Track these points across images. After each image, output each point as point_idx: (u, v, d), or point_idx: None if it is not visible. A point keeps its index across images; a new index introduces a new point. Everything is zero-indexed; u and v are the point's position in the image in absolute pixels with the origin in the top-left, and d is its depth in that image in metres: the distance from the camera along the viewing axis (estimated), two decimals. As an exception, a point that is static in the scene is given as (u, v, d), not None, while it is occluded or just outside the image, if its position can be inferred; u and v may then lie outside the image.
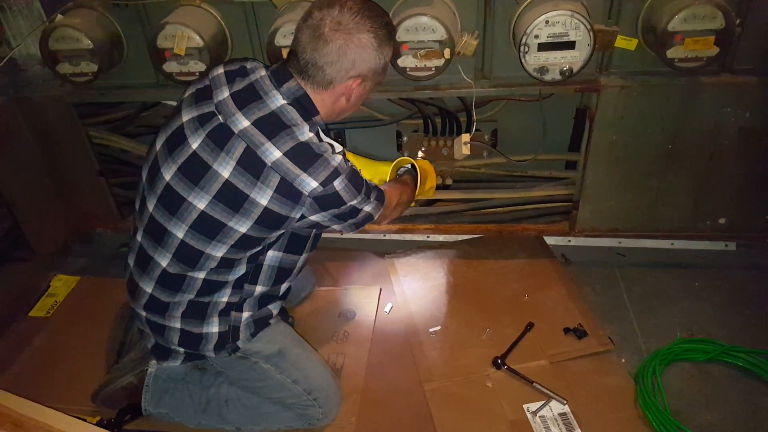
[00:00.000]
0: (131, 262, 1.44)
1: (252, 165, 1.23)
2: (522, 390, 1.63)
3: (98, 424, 1.56)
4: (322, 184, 1.24)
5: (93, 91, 1.90)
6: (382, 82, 1.41)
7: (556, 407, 1.57)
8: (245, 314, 1.45)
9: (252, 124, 1.24)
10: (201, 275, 1.35)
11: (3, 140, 1.95)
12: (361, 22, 1.24)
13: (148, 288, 1.39)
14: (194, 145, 1.27)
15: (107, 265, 2.19)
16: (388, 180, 1.64)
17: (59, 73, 1.81)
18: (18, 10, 1.88)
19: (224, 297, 1.40)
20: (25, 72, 1.99)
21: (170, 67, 1.74)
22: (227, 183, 1.24)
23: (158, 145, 1.34)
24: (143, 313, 1.43)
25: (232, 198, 1.25)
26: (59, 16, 1.76)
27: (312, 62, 1.25)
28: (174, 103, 2.01)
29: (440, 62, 1.67)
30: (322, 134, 1.33)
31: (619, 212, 1.98)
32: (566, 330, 1.77)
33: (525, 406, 1.58)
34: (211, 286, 1.37)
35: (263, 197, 1.24)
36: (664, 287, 1.95)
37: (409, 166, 1.70)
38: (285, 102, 1.27)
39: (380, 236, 2.23)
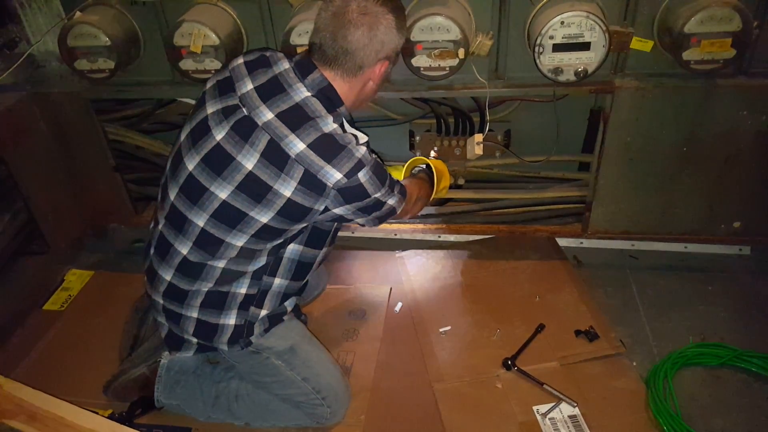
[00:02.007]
0: (151, 250, 1.45)
1: (276, 157, 1.24)
2: (532, 391, 1.62)
3: (110, 417, 1.58)
4: (347, 175, 1.24)
5: (110, 87, 1.92)
6: (394, 66, 1.43)
7: (566, 409, 1.57)
8: (263, 311, 1.46)
9: (276, 116, 1.25)
10: (220, 264, 1.36)
11: (20, 135, 1.97)
12: (383, 4, 1.27)
13: (168, 276, 1.40)
14: (218, 137, 1.28)
15: (121, 260, 2.21)
16: (402, 179, 1.65)
17: (77, 70, 1.83)
18: (37, 6, 1.90)
19: (242, 288, 1.40)
20: (43, 68, 2.01)
21: (186, 64, 1.76)
22: (250, 174, 1.25)
23: (182, 137, 1.36)
24: (161, 301, 1.45)
25: (255, 189, 1.26)
26: (78, 13, 1.78)
27: (343, 49, 1.27)
28: (189, 101, 2.04)
29: (454, 62, 1.67)
30: (346, 125, 1.33)
31: (633, 214, 1.97)
32: (577, 332, 1.77)
33: (535, 408, 1.58)
34: (229, 276, 1.38)
35: (287, 189, 1.24)
36: (677, 291, 1.94)
37: (423, 166, 1.70)
38: (309, 94, 1.28)
39: (391, 235, 2.24)
